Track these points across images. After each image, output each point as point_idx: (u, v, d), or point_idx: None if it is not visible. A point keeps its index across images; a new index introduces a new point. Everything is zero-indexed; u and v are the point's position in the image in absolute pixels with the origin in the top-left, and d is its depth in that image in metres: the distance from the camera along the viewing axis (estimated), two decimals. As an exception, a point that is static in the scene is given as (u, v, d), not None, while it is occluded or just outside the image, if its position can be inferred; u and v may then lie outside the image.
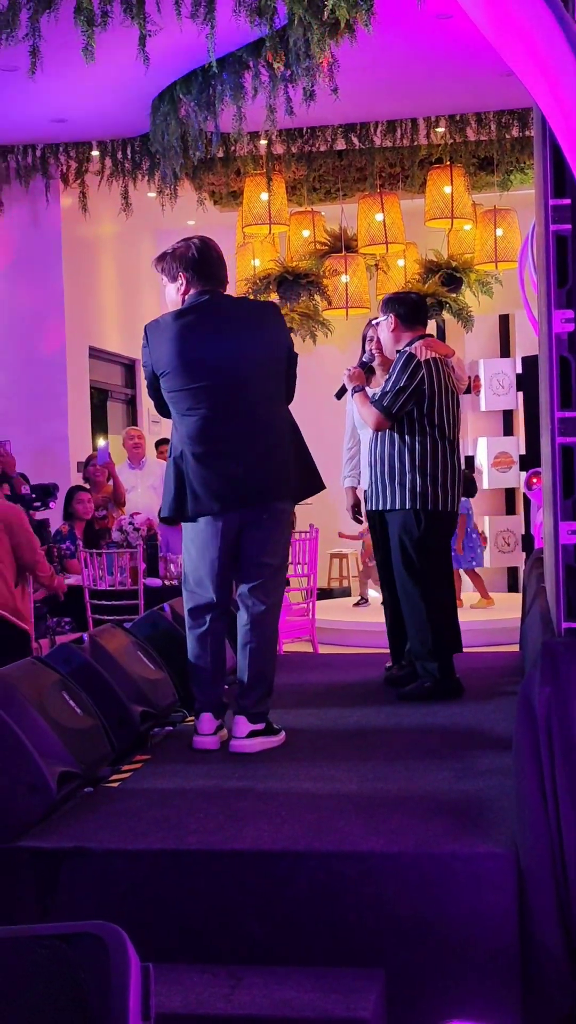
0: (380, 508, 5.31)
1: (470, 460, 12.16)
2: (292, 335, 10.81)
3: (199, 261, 4.31)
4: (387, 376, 5.29)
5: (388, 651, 5.63)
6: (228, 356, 4.24)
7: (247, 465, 4.23)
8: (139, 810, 3.48)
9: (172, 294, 4.37)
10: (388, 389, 5.17)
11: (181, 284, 4.32)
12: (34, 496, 7.62)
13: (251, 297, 10.76)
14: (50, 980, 1.69)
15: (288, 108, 7.85)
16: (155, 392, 4.41)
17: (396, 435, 5.20)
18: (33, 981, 1.69)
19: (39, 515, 7.84)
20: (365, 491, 5.66)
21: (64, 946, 1.71)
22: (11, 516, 6.21)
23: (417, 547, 5.17)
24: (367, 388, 5.47)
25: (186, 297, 4.32)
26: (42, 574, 6.40)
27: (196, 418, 4.23)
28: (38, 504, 7.58)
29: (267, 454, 4.27)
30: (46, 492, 7.64)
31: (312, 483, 4.45)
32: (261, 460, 4.25)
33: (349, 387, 5.47)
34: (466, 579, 10.51)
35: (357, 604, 10.76)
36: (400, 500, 5.18)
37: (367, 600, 10.67)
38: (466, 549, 10.10)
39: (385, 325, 5.42)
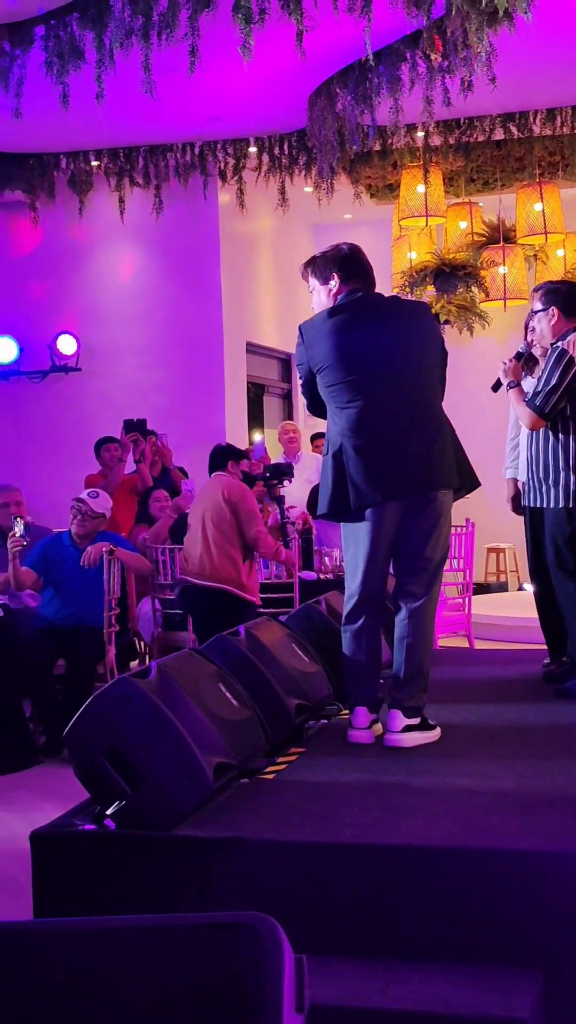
0: (535, 506, 5.29)
1: None
2: (449, 327, 10.83)
3: (350, 260, 4.34)
4: (539, 374, 5.22)
5: (546, 647, 5.56)
6: (385, 348, 4.24)
7: (408, 453, 4.21)
8: (294, 802, 3.50)
9: (323, 296, 4.38)
10: (540, 388, 5.11)
11: (334, 284, 4.34)
12: (268, 475, 7.84)
13: (407, 291, 10.72)
14: (207, 968, 1.71)
15: (445, 99, 7.77)
16: (310, 390, 4.42)
17: (550, 433, 5.16)
18: (190, 969, 1.71)
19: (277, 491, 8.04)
20: (522, 484, 5.60)
21: (220, 935, 1.72)
22: (236, 495, 6.50)
23: (569, 543, 5.12)
24: (530, 377, 5.41)
25: (338, 297, 4.33)
26: (265, 550, 6.64)
27: (355, 409, 4.23)
28: (274, 482, 7.80)
29: (428, 442, 4.25)
30: (280, 471, 7.87)
31: (470, 478, 4.41)
32: (422, 448, 4.23)
33: (504, 381, 5.41)
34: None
35: None
36: (554, 498, 5.14)
37: None
38: None
39: (545, 317, 5.32)
